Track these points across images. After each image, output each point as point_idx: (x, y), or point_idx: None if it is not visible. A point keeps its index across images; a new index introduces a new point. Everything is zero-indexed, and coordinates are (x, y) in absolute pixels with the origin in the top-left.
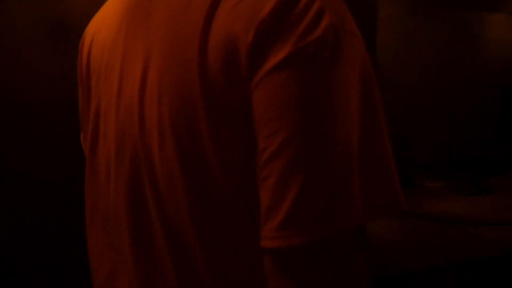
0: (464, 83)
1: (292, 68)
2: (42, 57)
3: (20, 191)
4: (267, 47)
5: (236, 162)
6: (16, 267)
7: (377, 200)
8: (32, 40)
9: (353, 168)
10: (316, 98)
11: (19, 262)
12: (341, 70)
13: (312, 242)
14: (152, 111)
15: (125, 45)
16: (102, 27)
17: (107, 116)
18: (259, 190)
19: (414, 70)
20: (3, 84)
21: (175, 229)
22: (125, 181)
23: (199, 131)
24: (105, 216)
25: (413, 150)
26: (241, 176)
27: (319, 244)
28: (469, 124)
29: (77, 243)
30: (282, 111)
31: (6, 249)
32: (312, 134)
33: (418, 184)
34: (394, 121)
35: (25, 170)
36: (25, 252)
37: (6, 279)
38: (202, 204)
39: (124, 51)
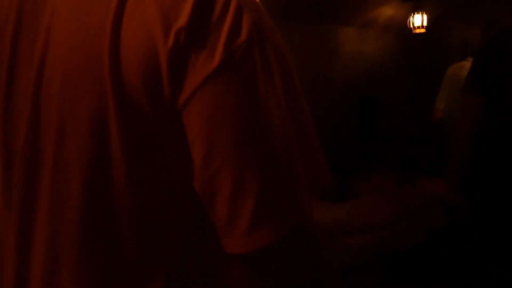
0: (323, 92)
1: (225, 77)
2: None
3: None
4: (192, 54)
5: (152, 176)
6: None
7: (317, 185)
8: None
9: (295, 161)
10: (254, 104)
11: None
12: (269, 68)
13: (282, 237)
14: (50, 109)
15: (14, 33)
16: None
17: None
18: (210, 204)
19: None
20: None
21: (61, 253)
22: (14, 188)
23: (107, 134)
24: None
25: None
26: (155, 189)
27: (287, 237)
28: (331, 131)
29: None
30: (222, 123)
31: None
32: (257, 139)
33: None
34: None
35: None
36: None
37: None
38: (100, 219)
39: (13, 38)
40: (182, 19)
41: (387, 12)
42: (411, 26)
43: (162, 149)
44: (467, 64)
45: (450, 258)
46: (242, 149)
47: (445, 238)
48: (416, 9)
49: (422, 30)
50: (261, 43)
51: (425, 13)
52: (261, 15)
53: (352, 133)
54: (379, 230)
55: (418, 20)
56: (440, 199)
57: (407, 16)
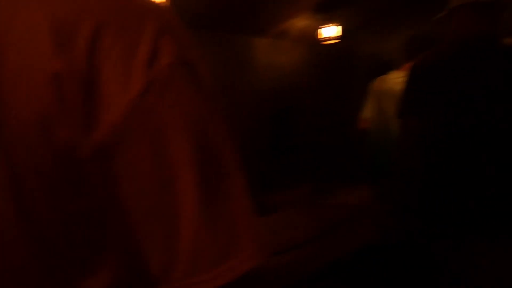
0: (238, 104)
1: (144, 111)
2: None
3: None
4: (99, 84)
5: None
6: None
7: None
8: None
9: (233, 196)
10: (182, 140)
11: None
12: (196, 102)
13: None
14: None
15: None
16: None
17: None
18: (142, 248)
19: None
20: None
21: None
22: None
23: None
24: None
25: None
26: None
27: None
28: (247, 143)
29: None
30: (146, 161)
31: None
32: (190, 174)
33: None
34: None
35: None
36: None
37: None
38: None
39: None
40: (80, 39)
41: (300, 23)
42: (322, 37)
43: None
44: (390, 76)
45: (381, 275)
46: (171, 189)
47: (376, 255)
48: (327, 21)
49: (334, 41)
50: (186, 72)
51: (337, 25)
52: (187, 44)
53: (269, 145)
54: (299, 248)
55: (329, 31)
56: (378, 218)
57: (319, 27)
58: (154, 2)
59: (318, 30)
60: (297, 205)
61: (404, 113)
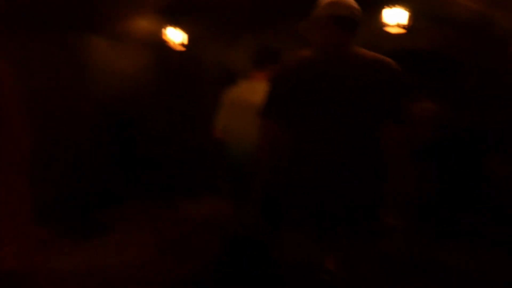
0: (70, 112)
1: None
2: None
3: None
4: None
5: None
6: None
7: None
8: None
9: None
10: None
11: None
12: None
13: None
14: None
15: None
16: None
17: None
18: None
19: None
20: None
21: None
22: None
23: None
24: None
25: None
26: None
27: None
28: (80, 156)
29: None
30: None
31: None
32: None
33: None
34: None
35: None
36: None
37: None
38: None
39: None
40: None
41: (143, 24)
42: (167, 41)
43: None
44: (241, 86)
45: None
46: None
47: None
48: (171, 24)
49: (180, 48)
50: None
51: (182, 31)
52: None
53: (106, 157)
54: (130, 272)
55: (175, 36)
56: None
57: (164, 31)
58: None
59: (163, 34)
60: (137, 222)
61: (263, 115)
